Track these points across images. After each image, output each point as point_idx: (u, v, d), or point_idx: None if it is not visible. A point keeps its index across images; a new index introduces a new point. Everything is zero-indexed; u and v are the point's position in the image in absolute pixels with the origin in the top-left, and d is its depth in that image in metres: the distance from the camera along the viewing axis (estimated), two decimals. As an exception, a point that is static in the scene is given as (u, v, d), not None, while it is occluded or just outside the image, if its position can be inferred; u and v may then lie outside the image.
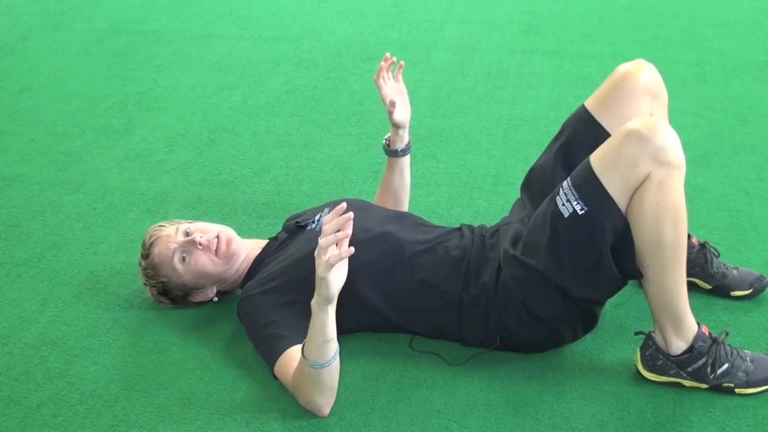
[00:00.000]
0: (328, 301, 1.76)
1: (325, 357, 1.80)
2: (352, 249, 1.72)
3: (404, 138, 2.32)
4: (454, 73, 3.63)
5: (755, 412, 1.87)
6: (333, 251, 1.73)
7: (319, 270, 1.73)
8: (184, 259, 2.13)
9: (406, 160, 2.37)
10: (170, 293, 2.18)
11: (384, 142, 2.35)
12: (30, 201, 2.79)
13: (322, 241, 1.73)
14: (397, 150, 2.33)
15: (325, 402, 1.87)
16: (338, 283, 1.76)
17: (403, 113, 2.28)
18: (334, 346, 1.81)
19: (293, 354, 1.89)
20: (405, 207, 2.44)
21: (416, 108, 3.32)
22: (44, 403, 1.97)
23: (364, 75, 3.64)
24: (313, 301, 1.79)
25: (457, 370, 2.01)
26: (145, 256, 2.16)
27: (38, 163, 3.03)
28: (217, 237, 2.14)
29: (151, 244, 2.15)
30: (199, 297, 2.21)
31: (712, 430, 1.83)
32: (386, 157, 2.37)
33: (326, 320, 1.78)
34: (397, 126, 2.28)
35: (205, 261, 2.13)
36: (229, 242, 2.15)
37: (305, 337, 1.88)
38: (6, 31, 4.26)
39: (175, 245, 2.13)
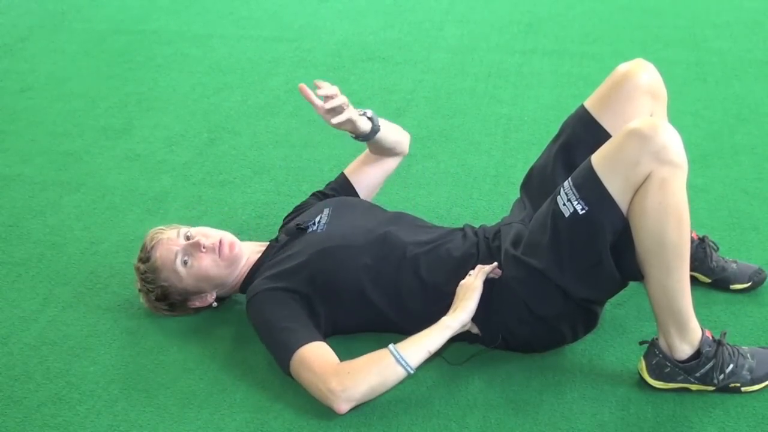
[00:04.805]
0: (470, 316, 1.94)
1: (417, 364, 1.89)
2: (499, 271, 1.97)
3: (360, 127, 2.20)
4: (454, 73, 3.63)
5: (755, 412, 1.87)
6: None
7: (475, 281, 1.95)
8: (186, 262, 2.11)
9: (380, 134, 2.27)
10: (169, 298, 2.16)
11: (352, 137, 2.27)
12: (30, 201, 2.79)
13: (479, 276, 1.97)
14: (361, 136, 2.24)
15: (363, 397, 1.88)
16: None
17: (338, 119, 2.13)
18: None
19: (317, 348, 1.91)
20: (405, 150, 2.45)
21: (416, 108, 3.34)
22: (44, 403, 1.97)
23: (364, 75, 3.64)
24: (451, 319, 1.93)
25: (457, 370, 2.01)
26: (145, 259, 2.13)
27: (38, 163, 3.03)
28: (220, 241, 2.13)
29: (152, 247, 2.12)
30: (198, 303, 2.19)
31: (712, 430, 1.83)
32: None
33: (448, 338, 1.93)
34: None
35: (208, 264, 2.11)
36: (232, 246, 2.14)
37: (316, 334, 1.94)
38: (6, 31, 4.26)
39: (178, 248, 2.11)
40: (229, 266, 2.14)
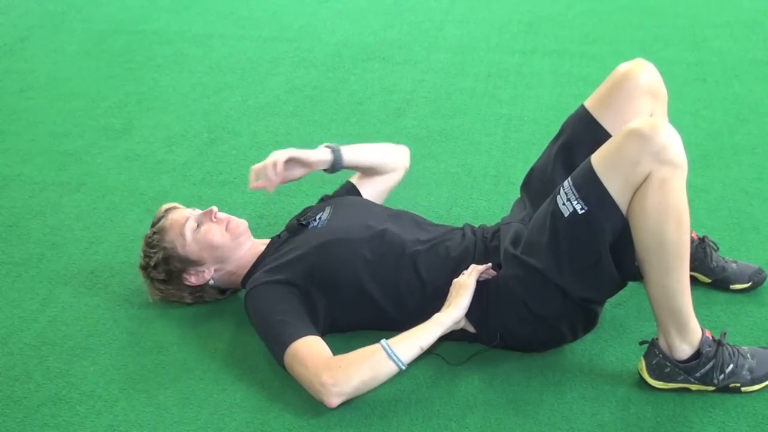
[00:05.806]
0: (463, 312, 1.95)
1: (409, 360, 1.90)
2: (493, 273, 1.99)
3: (320, 164, 2.31)
4: (454, 73, 3.63)
5: (755, 412, 1.87)
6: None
7: (468, 279, 1.96)
8: (194, 227, 2.15)
9: (351, 161, 2.35)
10: (169, 263, 2.16)
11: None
12: (30, 201, 2.79)
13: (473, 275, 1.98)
14: (328, 169, 2.34)
15: (354, 391, 1.88)
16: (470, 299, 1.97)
17: (287, 178, 2.29)
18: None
19: (311, 342, 1.91)
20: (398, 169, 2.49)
21: (416, 108, 3.34)
22: (44, 403, 1.97)
23: (364, 75, 3.64)
24: (443, 315, 1.94)
25: (457, 370, 2.01)
26: (155, 223, 2.19)
27: (38, 163, 3.03)
28: (229, 219, 2.20)
29: (166, 210, 2.21)
30: (194, 278, 2.18)
31: (712, 430, 1.83)
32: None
33: (440, 335, 1.94)
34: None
35: (215, 233, 2.15)
36: (242, 224, 2.20)
37: (311, 328, 1.94)
38: (6, 31, 4.26)
39: (191, 215, 2.18)
40: (233, 240, 2.17)
